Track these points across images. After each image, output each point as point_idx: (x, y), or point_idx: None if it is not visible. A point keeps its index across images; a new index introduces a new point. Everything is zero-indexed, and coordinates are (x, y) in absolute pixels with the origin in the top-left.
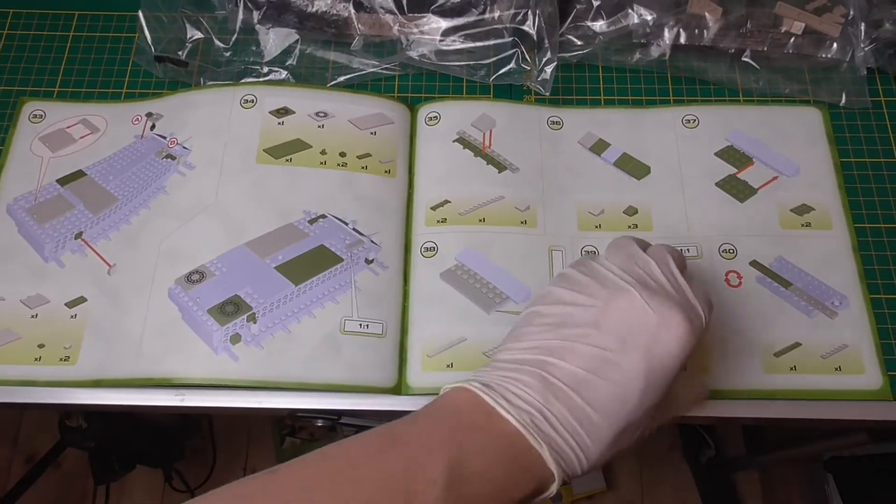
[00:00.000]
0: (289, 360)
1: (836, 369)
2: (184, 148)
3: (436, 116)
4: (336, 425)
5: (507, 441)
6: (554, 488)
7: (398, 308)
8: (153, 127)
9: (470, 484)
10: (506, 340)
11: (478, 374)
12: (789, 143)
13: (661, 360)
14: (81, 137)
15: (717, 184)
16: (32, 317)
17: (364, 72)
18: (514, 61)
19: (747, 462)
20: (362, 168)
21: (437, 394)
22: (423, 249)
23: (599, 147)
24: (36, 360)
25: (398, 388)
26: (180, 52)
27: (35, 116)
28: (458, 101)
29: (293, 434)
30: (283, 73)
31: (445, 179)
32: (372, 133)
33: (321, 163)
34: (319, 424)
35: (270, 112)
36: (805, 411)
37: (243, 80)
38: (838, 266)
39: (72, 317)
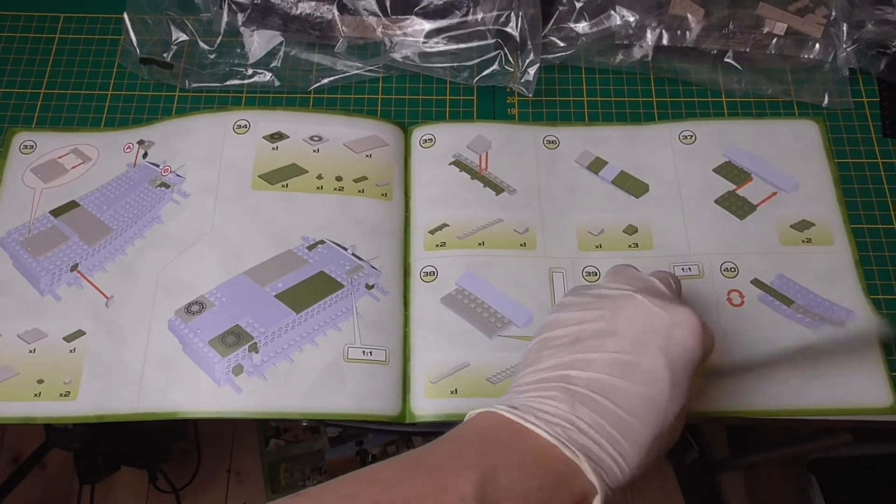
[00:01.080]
0: (292, 389)
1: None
2: (178, 176)
3: (430, 139)
4: (319, 426)
5: (539, 455)
6: (598, 502)
7: (400, 334)
8: (145, 155)
9: (503, 499)
10: (520, 368)
11: (501, 400)
12: (787, 157)
13: (681, 355)
14: (73, 167)
15: (716, 201)
16: (30, 352)
17: (348, 73)
18: (497, 63)
19: (731, 463)
20: (359, 192)
21: (442, 422)
22: (422, 274)
23: (596, 165)
24: (35, 395)
25: (402, 417)
26: (165, 55)
27: (25, 147)
28: (452, 123)
29: (278, 436)
30: (268, 75)
31: (443, 203)
32: (367, 156)
33: (318, 187)
34: (304, 425)
35: (264, 137)
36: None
37: (229, 86)
38: (841, 282)
39: (71, 351)
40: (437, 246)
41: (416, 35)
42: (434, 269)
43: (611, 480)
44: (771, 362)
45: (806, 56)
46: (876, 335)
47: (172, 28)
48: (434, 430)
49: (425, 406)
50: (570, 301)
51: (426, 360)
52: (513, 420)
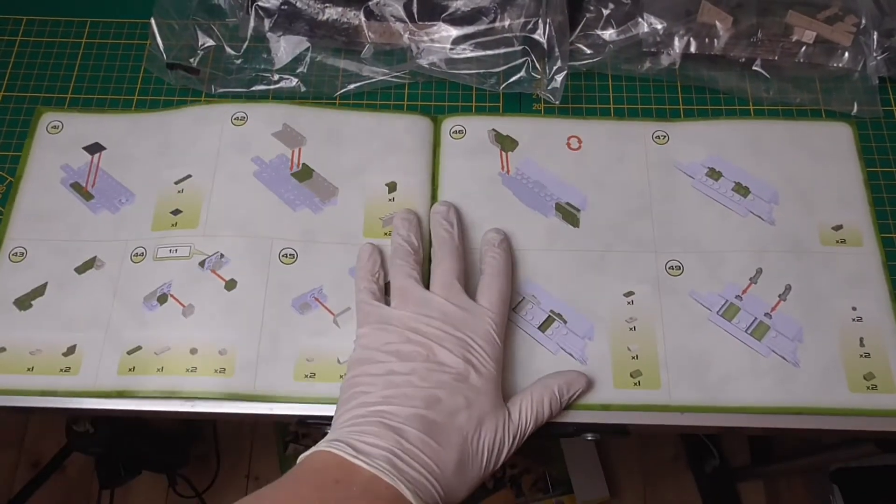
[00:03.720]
0: None
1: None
2: None
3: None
4: None
5: (366, 486)
6: None
7: None
8: None
9: None
10: (341, 402)
11: (327, 439)
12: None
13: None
14: None
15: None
16: None
17: (374, 80)
18: (524, 70)
19: (752, 472)
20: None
21: None
22: None
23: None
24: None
25: None
26: (192, 60)
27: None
28: (483, 116)
29: (297, 441)
30: (294, 81)
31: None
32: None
33: None
34: (327, 432)
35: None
36: (824, 423)
37: (255, 91)
38: (869, 283)
39: None
40: None
41: (442, 41)
42: None
43: (427, 498)
44: None
45: (835, 65)
46: None
47: (199, 33)
48: None
49: None
50: (373, 332)
51: None
52: (340, 455)
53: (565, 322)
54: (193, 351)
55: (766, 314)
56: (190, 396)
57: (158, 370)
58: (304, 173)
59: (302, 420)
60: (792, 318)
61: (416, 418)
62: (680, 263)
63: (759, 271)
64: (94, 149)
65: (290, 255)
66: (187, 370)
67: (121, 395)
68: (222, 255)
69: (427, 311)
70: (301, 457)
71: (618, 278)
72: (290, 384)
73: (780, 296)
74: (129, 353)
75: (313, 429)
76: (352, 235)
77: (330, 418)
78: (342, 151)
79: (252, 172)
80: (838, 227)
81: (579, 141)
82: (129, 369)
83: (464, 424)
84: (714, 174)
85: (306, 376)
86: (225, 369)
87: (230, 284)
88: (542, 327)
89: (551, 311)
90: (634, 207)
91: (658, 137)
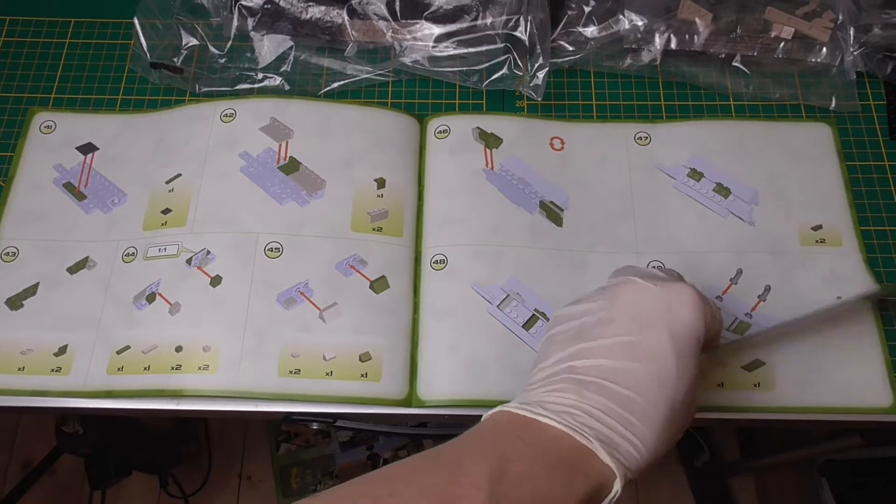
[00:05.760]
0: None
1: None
2: None
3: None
4: (330, 429)
5: (551, 444)
6: (618, 486)
7: (409, 320)
8: None
9: (514, 487)
10: (532, 366)
11: (514, 399)
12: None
13: (683, 330)
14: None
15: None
16: None
17: (358, 78)
18: (506, 67)
19: (742, 466)
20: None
21: (446, 405)
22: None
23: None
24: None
25: (408, 401)
26: (176, 59)
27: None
28: (466, 114)
29: (289, 440)
30: (278, 80)
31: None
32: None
33: None
34: (315, 427)
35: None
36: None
37: (239, 90)
38: (848, 283)
39: None
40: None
41: (425, 39)
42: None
43: (628, 461)
44: (777, 336)
45: (813, 60)
46: (871, 294)
47: (183, 32)
48: (444, 431)
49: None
50: (575, 298)
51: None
52: (524, 415)
53: (549, 321)
54: (178, 349)
55: (746, 314)
56: (174, 394)
57: (145, 369)
58: (291, 166)
59: (288, 416)
60: (772, 317)
61: (609, 370)
62: (661, 264)
63: (740, 272)
64: (87, 149)
65: (275, 248)
66: (172, 368)
67: (109, 394)
68: (208, 252)
69: (632, 272)
70: (484, 416)
71: (600, 279)
72: (275, 380)
73: (759, 296)
74: (118, 352)
75: (301, 425)
76: (339, 228)
77: (317, 414)
78: (330, 144)
79: (239, 168)
80: (818, 228)
81: (562, 142)
82: (118, 369)
83: (666, 371)
84: (695, 175)
85: (291, 372)
86: (208, 366)
87: (215, 281)
88: (527, 325)
89: (535, 310)
90: (617, 208)
91: (640, 139)
